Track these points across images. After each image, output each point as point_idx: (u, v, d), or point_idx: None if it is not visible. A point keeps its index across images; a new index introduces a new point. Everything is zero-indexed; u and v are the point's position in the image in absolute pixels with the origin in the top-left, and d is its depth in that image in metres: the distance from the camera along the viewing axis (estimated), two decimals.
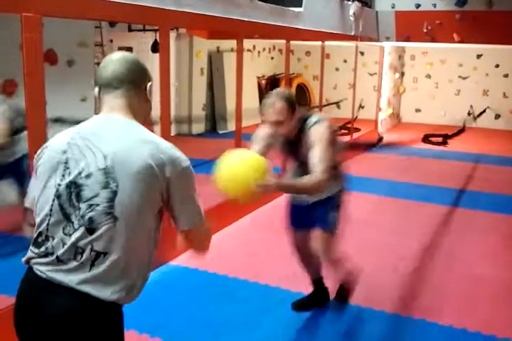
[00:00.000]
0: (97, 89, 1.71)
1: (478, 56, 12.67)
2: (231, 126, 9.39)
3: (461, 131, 12.03)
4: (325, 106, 9.47)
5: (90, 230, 1.54)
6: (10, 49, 4.50)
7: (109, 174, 1.54)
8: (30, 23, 2.84)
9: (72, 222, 1.55)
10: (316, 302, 3.56)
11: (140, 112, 1.72)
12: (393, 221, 5.48)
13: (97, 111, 1.75)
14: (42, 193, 1.61)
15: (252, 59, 11.82)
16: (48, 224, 1.58)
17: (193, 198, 1.66)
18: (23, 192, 3.18)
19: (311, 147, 2.90)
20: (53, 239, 1.57)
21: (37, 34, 2.88)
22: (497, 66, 12.59)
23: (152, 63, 5.44)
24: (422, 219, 5.56)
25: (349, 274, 3.49)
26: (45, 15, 2.93)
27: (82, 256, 1.54)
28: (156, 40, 7.07)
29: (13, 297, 1.66)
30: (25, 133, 3.13)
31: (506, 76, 12.58)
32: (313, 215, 3.25)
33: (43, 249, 1.59)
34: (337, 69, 13.01)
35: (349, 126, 9.64)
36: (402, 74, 13.39)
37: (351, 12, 8.36)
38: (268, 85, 12.55)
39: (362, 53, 11.52)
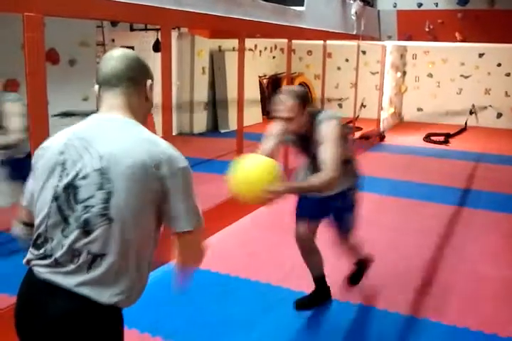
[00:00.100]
0: (96, 87, 1.68)
1: (480, 55, 12.65)
2: (233, 125, 9.39)
3: (463, 130, 12.02)
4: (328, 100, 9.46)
5: (86, 232, 1.52)
6: (12, 48, 4.51)
7: (105, 175, 1.52)
8: (32, 22, 2.84)
9: (70, 224, 1.54)
10: (317, 301, 3.57)
11: (140, 110, 1.70)
12: (395, 220, 5.48)
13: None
14: (40, 195, 1.60)
15: (254, 58, 11.81)
16: (46, 226, 1.57)
17: (191, 199, 1.61)
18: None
19: (320, 144, 2.94)
20: (52, 241, 1.56)
21: (39, 34, 2.89)
22: (499, 65, 12.57)
23: (154, 62, 5.45)
24: (424, 219, 5.55)
25: (363, 257, 3.71)
26: (46, 15, 2.93)
27: (79, 259, 1.53)
28: (157, 39, 7.06)
29: (14, 296, 1.67)
30: None
31: (508, 75, 12.56)
32: (324, 208, 3.37)
33: (42, 250, 1.58)
34: (339, 68, 12.99)
35: (351, 125, 9.64)
36: (404, 73, 13.37)
37: (353, 11, 8.35)
38: (270, 84, 12.55)
39: (364, 52, 11.52)
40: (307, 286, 3.65)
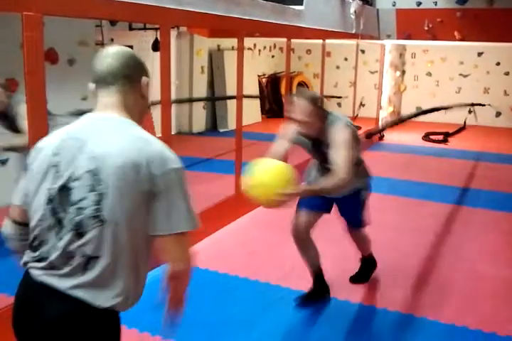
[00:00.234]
0: (92, 85, 1.66)
1: (479, 54, 12.66)
2: (232, 125, 9.39)
3: (462, 129, 12.02)
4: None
5: (79, 234, 1.51)
6: (11, 48, 4.50)
7: (96, 176, 1.50)
8: (31, 22, 2.84)
9: (64, 227, 1.53)
10: (316, 297, 3.58)
11: (135, 109, 1.67)
12: (393, 219, 5.49)
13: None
14: (35, 197, 1.58)
15: (253, 57, 11.81)
16: (41, 229, 1.56)
17: (183, 200, 1.56)
18: None
19: (332, 146, 3.04)
20: (47, 243, 1.55)
21: (38, 33, 2.88)
22: (498, 64, 12.59)
23: (153, 62, 5.45)
24: (423, 217, 5.56)
25: (369, 253, 3.83)
26: (46, 14, 2.93)
27: (73, 261, 1.52)
28: (156, 38, 7.06)
29: (12, 296, 1.67)
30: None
31: (507, 74, 12.57)
32: (327, 202, 3.47)
33: (37, 253, 1.57)
34: (338, 67, 13.00)
35: (358, 125, 9.65)
36: (403, 72, 13.38)
37: (352, 10, 8.35)
38: (269, 84, 12.56)
39: (363, 51, 11.53)
40: (306, 285, 3.65)
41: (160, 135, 4.15)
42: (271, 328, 3.29)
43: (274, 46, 13.36)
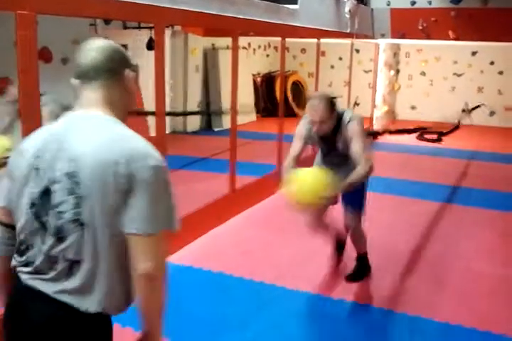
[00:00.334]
0: (75, 80, 1.60)
1: (473, 53, 12.69)
2: (226, 124, 9.39)
3: (456, 128, 12.06)
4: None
5: (60, 238, 1.48)
6: (4, 46, 4.48)
7: (75, 178, 1.45)
8: (24, 20, 2.83)
9: (47, 231, 1.49)
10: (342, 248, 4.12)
11: (121, 105, 1.61)
12: (389, 218, 5.50)
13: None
14: (19, 201, 1.54)
15: (248, 56, 11.80)
16: (27, 233, 1.53)
17: (161, 200, 1.49)
18: None
19: (350, 141, 3.43)
20: (33, 247, 1.52)
21: (31, 32, 2.87)
22: (492, 63, 12.62)
23: (147, 60, 5.44)
24: (418, 216, 5.57)
25: (365, 251, 3.94)
26: (39, 13, 2.92)
27: (57, 266, 1.49)
28: (151, 37, 7.05)
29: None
30: None
31: (501, 73, 12.61)
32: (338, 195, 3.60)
33: (24, 257, 1.55)
34: (332, 66, 13.01)
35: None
36: (397, 71, 13.40)
37: (347, 9, 8.36)
38: (263, 83, 12.55)
39: (357, 51, 11.53)
40: (301, 285, 3.66)
41: (154, 134, 4.14)
42: (265, 327, 3.28)
43: (269, 45, 13.35)
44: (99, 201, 1.45)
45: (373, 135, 9.96)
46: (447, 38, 9.67)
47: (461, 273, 4.16)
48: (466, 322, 3.37)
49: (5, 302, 1.63)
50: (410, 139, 10.68)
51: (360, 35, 9.05)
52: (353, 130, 3.43)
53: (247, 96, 11.34)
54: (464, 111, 12.80)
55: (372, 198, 4.00)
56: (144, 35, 7.96)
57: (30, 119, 2.94)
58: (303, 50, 13.29)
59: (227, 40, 5.38)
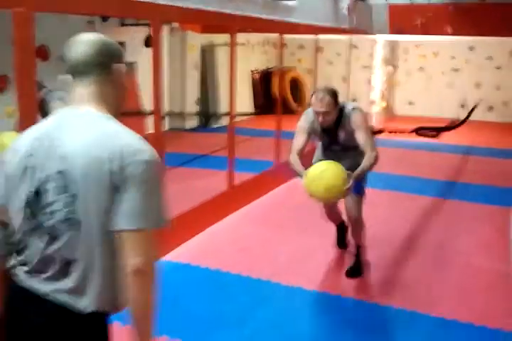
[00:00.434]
0: (65, 76, 1.58)
1: (471, 48, 12.69)
2: (224, 121, 9.39)
3: (455, 127, 11.94)
4: None
5: (55, 238, 1.47)
6: (2, 44, 4.47)
7: (67, 177, 1.44)
8: (21, 18, 2.82)
9: (43, 230, 1.48)
10: (344, 236, 4.31)
11: (113, 100, 1.58)
12: (385, 213, 5.51)
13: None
14: (15, 200, 1.53)
15: (246, 53, 11.79)
16: (24, 232, 1.52)
17: (151, 195, 1.46)
18: None
19: (355, 131, 3.59)
20: (31, 247, 1.52)
21: (29, 30, 2.87)
22: (489, 58, 12.62)
23: (145, 58, 5.43)
24: (415, 212, 5.59)
25: (364, 244, 4.02)
26: (36, 11, 2.91)
27: (54, 265, 1.48)
28: (149, 34, 7.04)
29: None
30: None
31: (499, 68, 12.61)
32: None
33: (22, 256, 1.54)
34: (330, 62, 13.00)
35: None
36: (395, 67, 13.39)
37: (345, 5, 8.35)
38: (261, 79, 12.54)
39: (355, 47, 11.52)
40: (299, 281, 3.67)
41: (152, 131, 4.15)
42: (263, 324, 3.30)
43: (267, 42, 13.32)
44: (91, 199, 1.44)
45: (373, 133, 9.98)
46: (445, 33, 9.67)
47: (460, 268, 4.18)
48: (462, 317, 3.38)
49: (4, 301, 1.62)
50: (408, 134, 10.67)
51: (358, 31, 9.04)
52: (356, 120, 3.61)
53: (245, 93, 11.33)
54: (463, 106, 12.79)
55: (370, 194, 4.01)
56: (142, 32, 7.95)
57: (27, 118, 2.93)
58: (301, 46, 13.26)
59: (226, 37, 5.37)
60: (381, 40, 11.15)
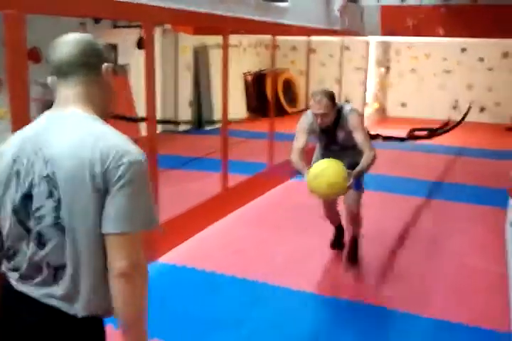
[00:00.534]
0: (50, 78, 1.53)
1: (463, 50, 12.75)
2: (218, 123, 9.36)
3: (448, 130, 11.93)
4: None
5: (42, 244, 1.45)
6: None
7: (52, 181, 1.41)
8: (13, 20, 2.80)
9: (30, 236, 1.46)
10: (341, 237, 4.40)
11: (99, 101, 1.55)
12: (378, 214, 5.50)
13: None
14: (2, 207, 1.50)
15: (238, 54, 11.78)
16: (13, 239, 1.50)
17: (139, 197, 1.43)
18: None
19: (352, 131, 3.75)
20: (19, 253, 1.50)
21: (20, 32, 2.85)
22: (481, 60, 12.68)
23: (138, 59, 5.41)
24: (407, 212, 5.59)
25: (358, 234, 4.21)
26: (28, 13, 2.89)
27: (42, 271, 1.46)
28: (141, 36, 7.02)
29: None
30: None
31: (490, 69, 12.67)
32: None
33: (12, 263, 1.52)
34: (323, 64, 13.01)
35: None
36: (388, 68, 13.43)
37: (337, 7, 8.37)
38: (254, 81, 12.53)
39: (348, 48, 11.55)
40: (295, 282, 3.66)
41: (145, 134, 4.13)
42: (260, 325, 3.29)
43: (260, 43, 13.33)
44: (77, 203, 1.41)
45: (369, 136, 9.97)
46: (437, 35, 9.70)
47: (453, 269, 4.18)
48: (454, 318, 3.39)
49: None
50: (401, 135, 10.69)
51: (350, 33, 9.06)
52: (353, 121, 3.77)
53: (237, 95, 11.32)
54: (455, 108, 12.84)
55: (364, 196, 4.02)
56: (134, 34, 7.92)
57: (20, 120, 2.91)
58: (293, 48, 13.28)
59: (218, 39, 5.36)
60: (373, 42, 11.18)
